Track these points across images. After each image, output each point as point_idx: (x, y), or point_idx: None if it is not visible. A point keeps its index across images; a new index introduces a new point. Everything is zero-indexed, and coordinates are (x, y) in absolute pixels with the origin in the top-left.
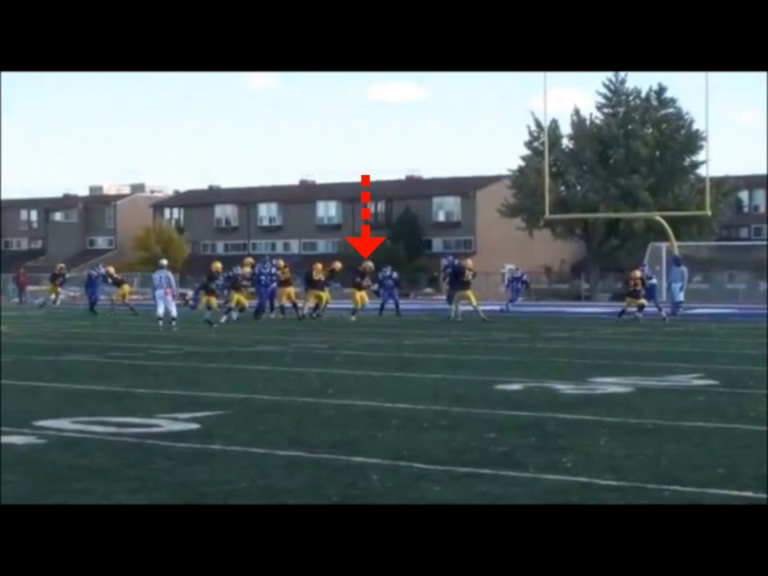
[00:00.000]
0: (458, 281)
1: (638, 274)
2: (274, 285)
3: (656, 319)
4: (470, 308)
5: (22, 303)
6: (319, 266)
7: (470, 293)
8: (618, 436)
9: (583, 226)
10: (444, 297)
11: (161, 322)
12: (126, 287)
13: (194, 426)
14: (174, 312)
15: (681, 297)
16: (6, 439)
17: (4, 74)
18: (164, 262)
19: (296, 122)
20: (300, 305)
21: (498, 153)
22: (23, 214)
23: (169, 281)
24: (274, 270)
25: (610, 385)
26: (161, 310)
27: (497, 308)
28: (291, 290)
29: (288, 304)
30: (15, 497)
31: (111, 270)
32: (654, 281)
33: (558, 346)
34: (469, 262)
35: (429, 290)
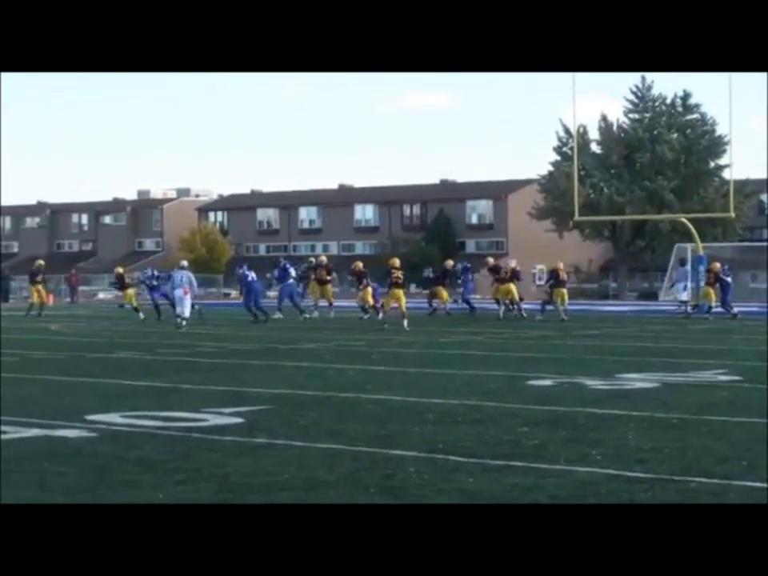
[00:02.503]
0: (499, 279)
1: (717, 266)
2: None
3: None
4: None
5: (74, 303)
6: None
7: (512, 287)
8: (645, 430)
9: (611, 227)
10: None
11: (183, 321)
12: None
13: (238, 420)
14: (187, 312)
15: (684, 296)
16: (58, 433)
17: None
18: (184, 263)
19: (335, 128)
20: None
21: (529, 158)
22: (75, 217)
23: (190, 281)
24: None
25: (638, 380)
26: (179, 309)
27: (529, 307)
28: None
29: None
30: (67, 488)
31: (120, 270)
32: (729, 279)
33: (587, 343)
34: (510, 262)
35: (461, 289)
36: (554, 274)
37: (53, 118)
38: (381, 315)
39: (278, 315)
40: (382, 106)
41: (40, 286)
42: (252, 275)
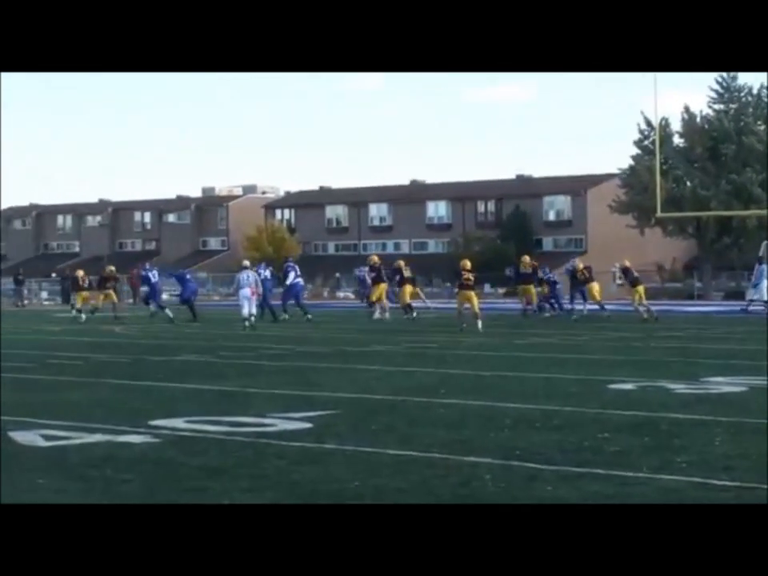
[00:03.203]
0: (576, 280)
1: None
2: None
3: None
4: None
5: (136, 304)
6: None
7: (594, 286)
8: (732, 436)
9: (695, 223)
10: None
11: (246, 323)
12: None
13: (307, 425)
14: (254, 311)
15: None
16: (122, 438)
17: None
18: (247, 262)
19: (406, 122)
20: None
21: (608, 151)
22: (137, 215)
23: (256, 281)
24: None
25: (724, 384)
26: (245, 311)
27: (610, 307)
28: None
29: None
30: (132, 495)
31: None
32: None
33: (670, 345)
34: (578, 262)
35: (540, 288)
36: (627, 272)
37: (114, 114)
38: (406, 315)
39: (284, 316)
40: (455, 100)
41: (111, 291)
42: (264, 274)
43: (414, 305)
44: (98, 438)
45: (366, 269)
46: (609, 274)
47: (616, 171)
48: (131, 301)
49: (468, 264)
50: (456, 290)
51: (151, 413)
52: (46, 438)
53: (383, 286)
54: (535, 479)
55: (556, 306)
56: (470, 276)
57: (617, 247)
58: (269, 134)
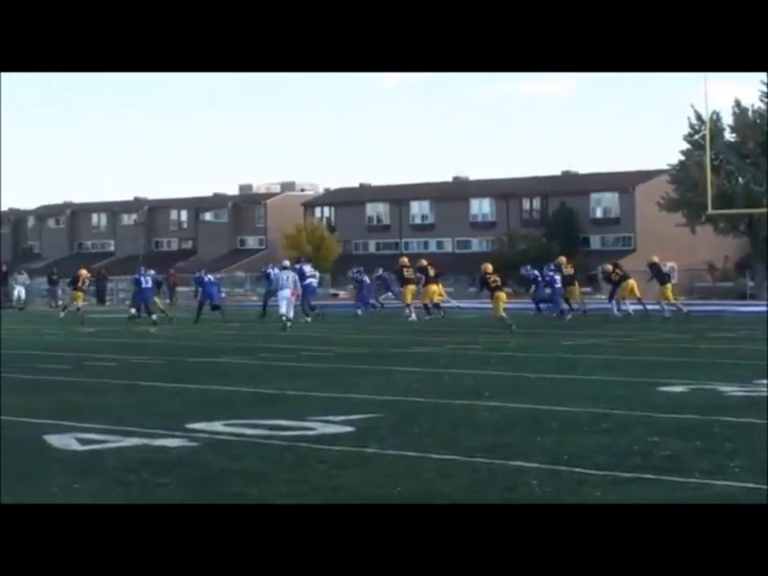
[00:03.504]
0: (611, 282)
1: None
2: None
3: None
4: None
5: (173, 304)
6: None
7: (629, 284)
8: None
9: (747, 221)
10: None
11: (289, 323)
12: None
13: (348, 428)
14: (291, 313)
15: None
16: (159, 442)
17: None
18: (287, 262)
19: (449, 117)
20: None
21: (657, 147)
22: (174, 213)
23: (295, 281)
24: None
25: None
26: (284, 310)
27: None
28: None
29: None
30: (169, 500)
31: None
32: None
33: (722, 346)
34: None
35: (587, 289)
36: (655, 269)
37: (150, 111)
38: (429, 315)
39: (306, 319)
40: (500, 93)
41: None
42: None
43: (441, 305)
44: (134, 441)
45: (361, 269)
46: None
47: (665, 167)
48: (168, 301)
49: (490, 267)
50: (488, 292)
51: (188, 416)
52: (82, 441)
53: (413, 288)
54: (583, 484)
55: (552, 305)
56: (496, 277)
57: (666, 246)
58: (307, 130)
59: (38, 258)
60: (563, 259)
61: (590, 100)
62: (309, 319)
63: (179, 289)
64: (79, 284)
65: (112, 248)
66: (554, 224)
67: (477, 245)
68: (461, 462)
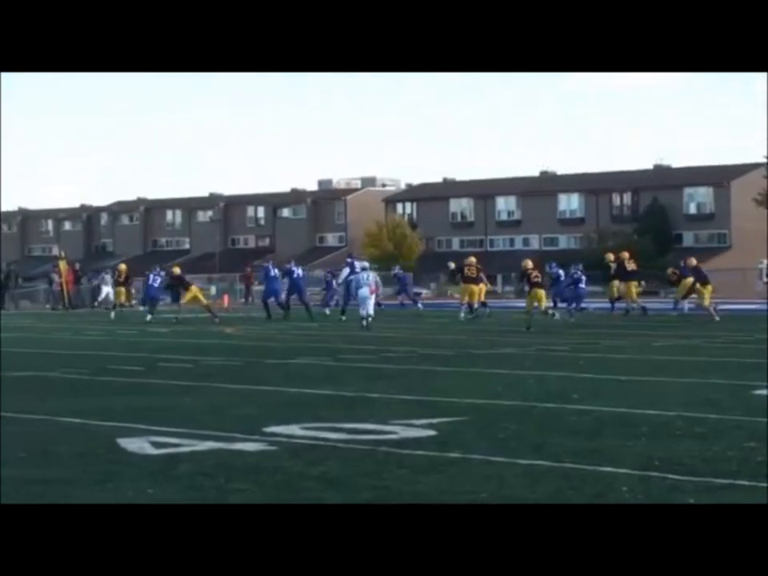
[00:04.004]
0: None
1: None
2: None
3: None
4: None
5: (249, 304)
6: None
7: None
8: None
9: None
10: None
11: (364, 322)
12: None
13: (431, 432)
14: (371, 311)
15: None
16: (236, 446)
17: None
18: (366, 263)
19: (535, 109)
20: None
21: (754, 139)
22: (250, 210)
23: (376, 280)
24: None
25: None
26: (364, 309)
27: (755, 307)
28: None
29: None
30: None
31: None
32: None
33: None
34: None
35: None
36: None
37: (225, 105)
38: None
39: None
40: (588, 84)
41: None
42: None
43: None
44: (209, 445)
45: (332, 270)
46: (754, 270)
47: (762, 160)
48: (243, 300)
49: (530, 263)
50: (527, 289)
51: (265, 419)
52: (156, 445)
53: (473, 287)
54: (676, 490)
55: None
56: (537, 273)
57: (763, 242)
58: (388, 123)
59: (111, 256)
60: (626, 254)
61: (684, 91)
62: (344, 318)
63: (256, 288)
64: (120, 279)
65: (187, 246)
66: (645, 220)
67: (565, 242)
68: (549, 468)
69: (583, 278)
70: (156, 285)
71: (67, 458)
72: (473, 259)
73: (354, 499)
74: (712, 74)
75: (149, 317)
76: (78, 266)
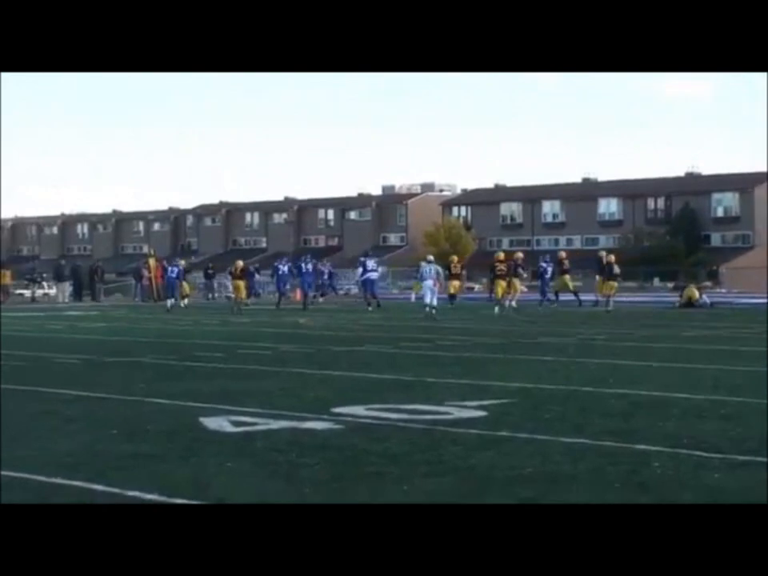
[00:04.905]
0: None
1: None
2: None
3: None
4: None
5: (315, 298)
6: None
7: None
8: None
9: None
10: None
11: (429, 309)
12: None
13: (482, 413)
14: (435, 301)
15: None
16: (306, 425)
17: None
18: (431, 257)
19: (580, 121)
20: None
21: None
22: (321, 212)
23: (438, 272)
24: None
25: None
26: (428, 299)
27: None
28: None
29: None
30: (314, 480)
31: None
32: None
33: None
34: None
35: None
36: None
37: (301, 115)
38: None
39: (369, 309)
40: (628, 97)
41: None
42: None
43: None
44: (283, 424)
45: (284, 258)
46: None
47: None
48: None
49: (501, 255)
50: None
51: (334, 400)
52: (235, 423)
53: (502, 283)
54: (702, 467)
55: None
56: (503, 267)
57: None
58: (447, 133)
59: (195, 254)
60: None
61: (714, 104)
62: (370, 308)
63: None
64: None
65: (264, 245)
66: (677, 222)
67: (604, 242)
68: (589, 446)
69: (548, 269)
70: (173, 276)
71: (154, 435)
72: (519, 254)
73: (412, 473)
74: (740, 89)
75: (169, 303)
76: (165, 262)
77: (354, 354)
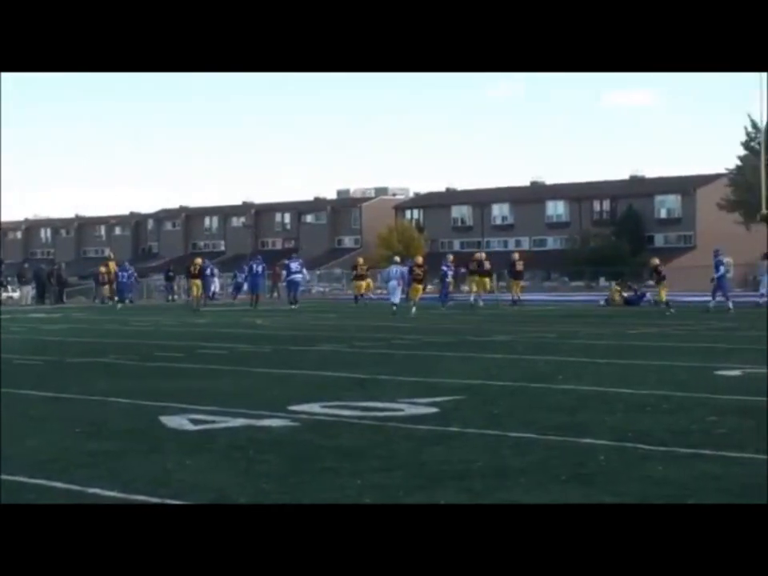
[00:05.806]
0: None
1: None
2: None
3: None
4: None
5: (272, 299)
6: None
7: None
8: None
9: None
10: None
11: (395, 308)
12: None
13: (433, 409)
14: (397, 300)
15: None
16: (263, 422)
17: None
18: (397, 258)
19: (528, 127)
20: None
21: (717, 153)
22: (278, 216)
23: (402, 274)
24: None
25: None
26: (393, 298)
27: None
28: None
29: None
30: (270, 474)
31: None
32: None
33: None
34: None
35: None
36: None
37: (256, 120)
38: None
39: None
40: (578, 104)
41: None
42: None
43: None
44: (241, 422)
45: (258, 259)
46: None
47: (724, 171)
48: (268, 295)
49: (420, 259)
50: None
51: (290, 399)
52: (194, 422)
53: (478, 279)
54: (647, 459)
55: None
56: (420, 271)
57: (725, 243)
58: (399, 138)
59: (155, 257)
60: (482, 255)
61: (658, 109)
62: (294, 307)
63: (282, 284)
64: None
65: (223, 248)
66: (622, 224)
67: (552, 243)
68: (536, 440)
69: (449, 272)
70: (124, 280)
71: (117, 433)
72: (480, 254)
73: (365, 467)
74: (683, 96)
75: (119, 305)
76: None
77: (310, 354)
